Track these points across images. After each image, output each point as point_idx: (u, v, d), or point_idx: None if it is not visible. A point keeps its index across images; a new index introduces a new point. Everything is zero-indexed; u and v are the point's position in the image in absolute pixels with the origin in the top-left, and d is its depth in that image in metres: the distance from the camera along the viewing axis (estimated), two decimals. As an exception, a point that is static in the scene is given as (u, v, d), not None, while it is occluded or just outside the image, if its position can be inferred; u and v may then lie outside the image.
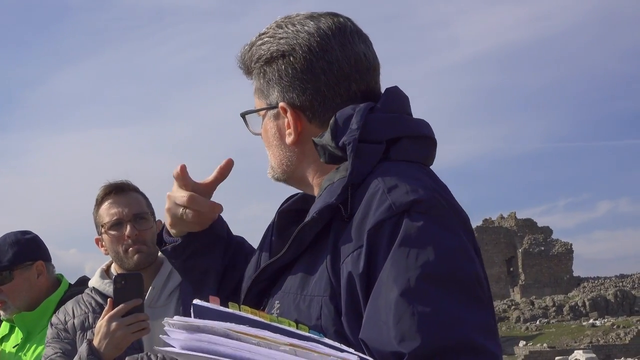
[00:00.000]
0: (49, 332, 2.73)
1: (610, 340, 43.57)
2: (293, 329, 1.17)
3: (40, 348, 3.00)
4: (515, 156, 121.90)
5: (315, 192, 1.49)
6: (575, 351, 32.19)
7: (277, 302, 1.41)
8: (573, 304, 51.51)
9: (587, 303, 51.21)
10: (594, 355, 30.97)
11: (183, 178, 1.62)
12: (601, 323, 47.42)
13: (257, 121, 1.57)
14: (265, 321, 1.17)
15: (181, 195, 1.61)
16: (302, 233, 1.38)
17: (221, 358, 1.05)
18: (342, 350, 1.11)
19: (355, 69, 1.46)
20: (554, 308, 51.67)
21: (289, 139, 1.48)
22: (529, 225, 63.48)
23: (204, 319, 1.12)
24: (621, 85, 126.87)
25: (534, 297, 55.04)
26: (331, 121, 1.41)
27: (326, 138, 1.40)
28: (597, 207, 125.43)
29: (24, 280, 3.10)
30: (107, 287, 2.71)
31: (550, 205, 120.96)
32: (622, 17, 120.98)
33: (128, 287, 2.40)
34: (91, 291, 2.79)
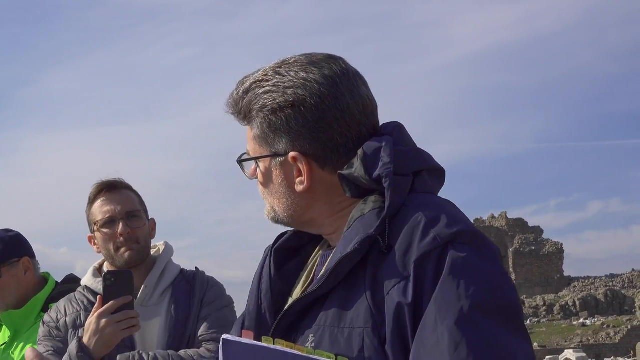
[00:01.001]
0: (41, 330, 2.73)
1: (601, 339, 43.76)
2: None
3: (28, 346, 2.99)
4: (507, 156, 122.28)
5: (326, 230, 1.51)
6: (566, 350, 32.30)
7: (312, 335, 1.38)
8: (563, 303, 51.73)
9: (577, 302, 51.42)
10: (584, 354, 31.10)
11: None
12: (591, 322, 47.63)
13: (252, 165, 1.55)
14: (303, 354, 1.15)
15: None
16: (341, 265, 1.36)
17: None
18: None
19: (364, 114, 1.46)
20: (544, 307, 51.87)
21: (300, 187, 1.47)
22: (519, 225, 63.66)
23: (233, 355, 1.06)
24: (613, 86, 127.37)
25: (524, 296, 55.21)
26: (360, 154, 1.41)
27: (358, 171, 1.40)
28: (588, 207, 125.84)
29: (11, 277, 3.10)
30: (100, 286, 2.70)
31: (542, 205, 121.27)
32: (613, 18, 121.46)
33: (118, 284, 2.40)
34: (83, 289, 2.78)
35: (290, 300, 1.49)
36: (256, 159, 1.52)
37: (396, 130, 1.48)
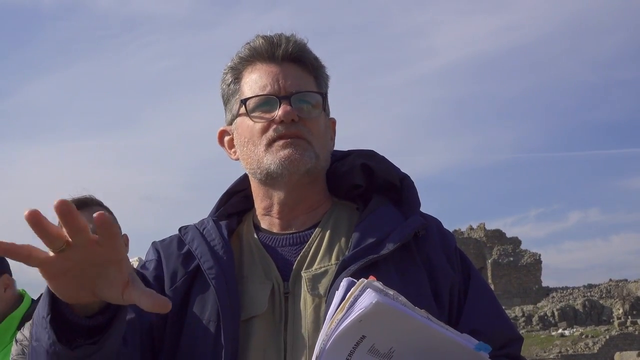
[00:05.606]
0: (14, 348, 2.71)
1: (579, 349, 43.99)
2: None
3: (3, 365, 2.98)
4: (486, 167, 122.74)
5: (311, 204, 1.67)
6: (545, 361, 32.37)
7: None
8: (542, 314, 51.98)
9: (556, 313, 51.70)
10: (562, 364, 31.17)
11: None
12: (570, 333, 47.91)
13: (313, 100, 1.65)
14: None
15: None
16: (405, 237, 1.59)
17: (414, 315, 1.24)
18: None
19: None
20: (523, 318, 52.08)
21: (331, 145, 1.72)
22: (497, 236, 63.93)
23: (369, 312, 1.21)
24: (591, 96, 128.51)
25: (503, 307, 55.42)
26: (382, 159, 1.73)
27: (389, 169, 1.72)
28: (568, 217, 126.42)
29: None
30: (73, 302, 2.69)
31: (521, 216, 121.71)
32: (592, 28, 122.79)
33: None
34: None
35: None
36: (323, 101, 1.71)
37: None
